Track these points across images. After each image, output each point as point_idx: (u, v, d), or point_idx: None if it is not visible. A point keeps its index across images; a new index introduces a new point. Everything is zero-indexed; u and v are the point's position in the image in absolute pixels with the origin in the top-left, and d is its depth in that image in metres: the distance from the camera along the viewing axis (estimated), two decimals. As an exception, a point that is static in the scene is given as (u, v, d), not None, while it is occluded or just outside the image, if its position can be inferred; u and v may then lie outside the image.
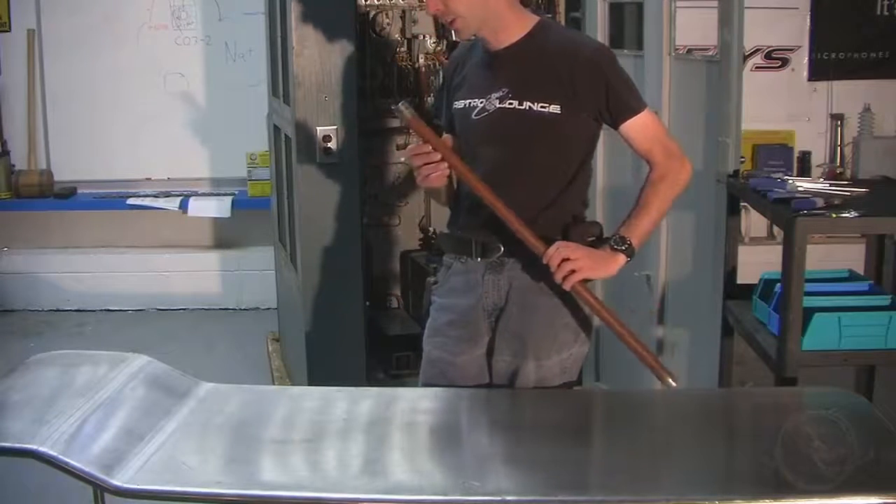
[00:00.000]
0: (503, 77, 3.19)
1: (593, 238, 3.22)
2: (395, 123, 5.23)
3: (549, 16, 4.89)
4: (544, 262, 3.04)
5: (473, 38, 3.26)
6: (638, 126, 3.20)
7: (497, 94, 3.18)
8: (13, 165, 7.20)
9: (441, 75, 3.49)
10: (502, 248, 3.23)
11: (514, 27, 3.18)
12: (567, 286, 3.04)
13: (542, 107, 3.13)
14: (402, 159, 5.25)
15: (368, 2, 5.11)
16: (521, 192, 3.12)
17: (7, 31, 7.17)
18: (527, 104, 3.14)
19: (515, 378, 3.25)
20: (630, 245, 3.12)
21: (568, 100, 3.13)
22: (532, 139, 3.18)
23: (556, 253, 3.03)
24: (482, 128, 3.21)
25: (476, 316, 3.29)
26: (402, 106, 3.15)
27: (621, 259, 3.12)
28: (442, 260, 3.46)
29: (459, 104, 3.28)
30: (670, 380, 3.15)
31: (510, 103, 3.16)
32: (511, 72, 3.18)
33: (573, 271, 3.02)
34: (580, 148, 3.25)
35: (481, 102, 3.21)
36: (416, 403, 3.03)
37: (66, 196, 7.16)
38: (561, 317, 3.26)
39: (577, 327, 3.29)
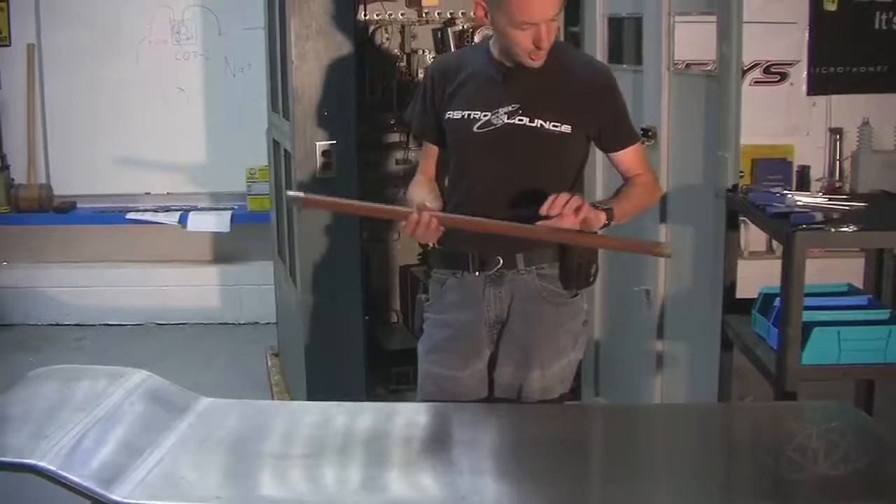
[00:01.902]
0: (515, 93, 3.21)
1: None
2: (395, 138, 5.24)
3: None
4: (546, 210, 3.02)
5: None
6: (632, 153, 3.34)
7: (506, 109, 3.20)
8: (13, 179, 7.19)
9: (426, 84, 3.46)
10: (501, 261, 3.25)
11: None
12: (583, 214, 3.02)
13: (553, 125, 3.17)
14: (402, 173, 5.25)
15: (368, 17, 5.12)
16: (522, 203, 3.13)
17: (7, 46, 7.18)
18: (538, 122, 3.18)
19: (520, 389, 3.28)
20: (611, 209, 3.17)
21: (577, 120, 3.18)
22: (539, 155, 3.21)
23: (557, 201, 3.02)
24: (486, 141, 3.22)
25: (477, 330, 3.31)
26: (291, 194, 3.18)
27: (603, 216, 3.13)
28: (431, 276, 3.46)
29: (456, 115, 3.29)
30: (666, 251, 3.19)
31: (520, 119, 3.19)
32: (523, 89, 3.21)
33: (580, 207, 3.02)
34: (579, 162, 3.33)
35: (485, 115, 3.22)
36: (415, 418, 3.03)
37: (65, 210, 7.16)
38: (561, 323, 3.31)
39: (575, 333, 3.35)
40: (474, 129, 3.24)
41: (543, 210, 3.01)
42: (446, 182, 3.45)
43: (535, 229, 3.06)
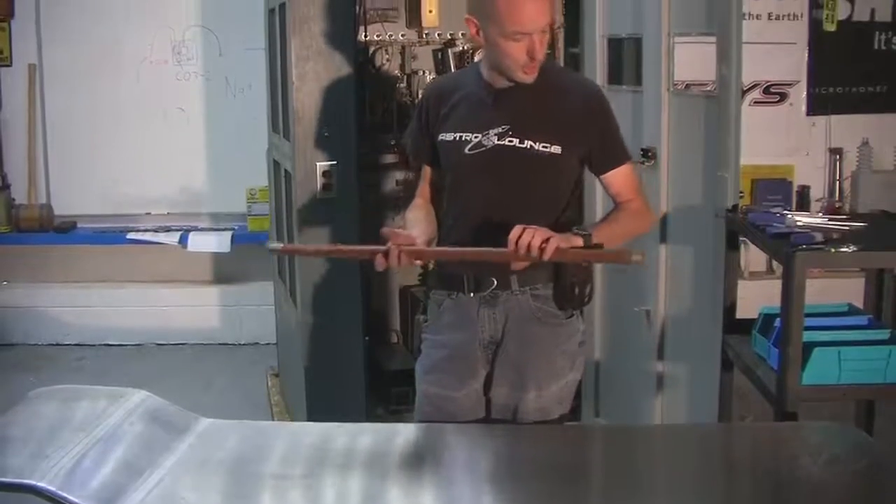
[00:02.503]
0: (504, 114, 3.22)
1: (587, 263, 3.27)
2: (395, 159, 5.24)
3: (549, 51, 4.92)
4: (511, 248, 3.00)
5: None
6: (623, 175, 3.32)
7: (496, 131, 3.21)
8: (13, 199, 7.20)
9: (421, 106, 3.48)
10: (495, 282, 3.26)
11: None
12: (548, 256, 3.00)
13: (543, 146, 3.18)
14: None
15: (368, 38, 5.13)
16: (515, 223, 3.12)
17: (8, 66, 7.20)
18: (528, 143, 3.18)
19: (516, 410, 3.28)
20: (588, 234, 3.14)
21: (568, 141, 3.18)
22: (530, 176, 3.21)
23: (523, 237, 2.99)
24: (476, 162, 3.23)
25: (472, 350, 3.32)
26: (270, 247, 3.17)
27: (579, 240, 3.11)
28: (430, 297, 3.47)
29: (448, 136, 3.30)
30: (635, 257, 3.09)
31: (510, 140, 3.19)
32: (513, 110, 3.21)
33: (546, 241, 2.99)
34: (572, 182, 3.33)
35: (476, 137, 3.23)
36: (415, 439, 3.03)
37: (65, 230, 7.17)
38: (557, 345, 3.31)
39: (571, 354, 3.35)
40: (466, 150, 3.25)
41: (509, 247, 3.01)
42: (445, 203, 3.46)
43: (505, 253, 3.04)
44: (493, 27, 3.10)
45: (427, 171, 3.51)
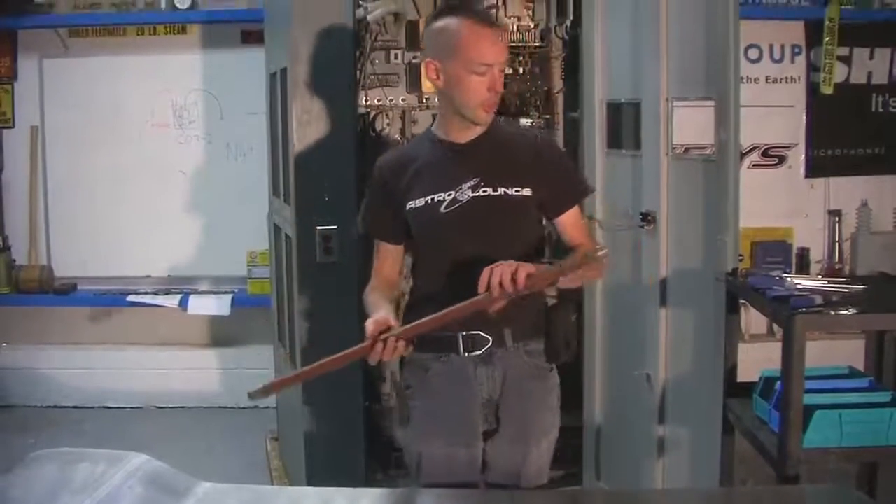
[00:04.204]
0: (472, 168, 3.30)
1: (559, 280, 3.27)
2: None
3: (548, 116, 4.98)
4: (483, 289, 3.01)
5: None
6: (575, 216, 3.43)
7: (469, 184, 3.28)
8: (14, 260, 7.21)
9: (377, 185, 3.44)
10: (491, 340, 3.27)
11: None
12: (521, 285, 2.99)
13: (516, 191, 3.28)
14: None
15: (369, 102, 5.17)
16: None
17: (10, 127, 7.24)
18: (501, 190, 3.28)
19: (518, 468, 3.29)
20: (558, 262, 3.18)
21: (534, 182, 3.29)
22: (508, 221, 3.30)
23: (493, 277, 3.00)
24: (454, 218, 3.28)
25: (471, 410, 3.32)
26: (252, 393, 3.21)
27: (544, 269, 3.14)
28: (409, 361, 3.44)
29: (419, 202, 3.32)
30: (600, 253, 3.18)
31: (484, 191, 3.28)
32: (479, 162, 3.30)
33: (516, 272, 3.00)
34: (540, 224, 3.44)
35: (449, 195, 3.28)
36: (415, 504, 3.02)
37: (66, 292, 7.17)
38: (548, 399, 3.39)
39: (555, 409, 3.43)
40: (441, 210, 3.29)
41: (481, 289, 3.02)
42: (410, 274, 3.51)
43: (482, 300, 3.03)
44: (457, 63, 3.20)
45: (385, 249, 3.49)
